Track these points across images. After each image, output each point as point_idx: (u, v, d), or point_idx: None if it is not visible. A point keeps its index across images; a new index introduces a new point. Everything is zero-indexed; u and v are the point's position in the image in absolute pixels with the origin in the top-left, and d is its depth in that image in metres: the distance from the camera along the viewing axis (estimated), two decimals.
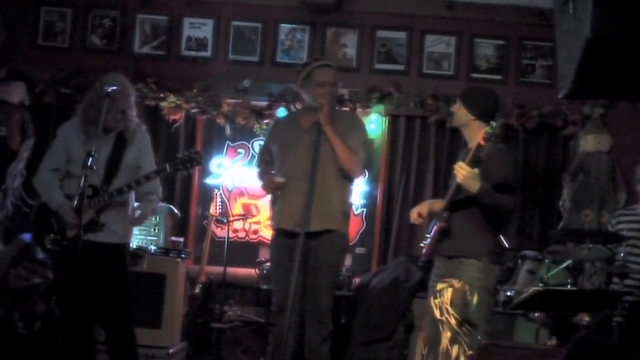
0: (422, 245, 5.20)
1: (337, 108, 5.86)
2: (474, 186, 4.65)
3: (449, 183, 5.16)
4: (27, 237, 6.66)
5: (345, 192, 5.56)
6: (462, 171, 4.63)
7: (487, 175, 4.75)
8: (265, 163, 5.72)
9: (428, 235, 5.12)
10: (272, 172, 5.57)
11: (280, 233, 5.52)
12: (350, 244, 7.59)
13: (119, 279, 5.24)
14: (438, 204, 5.18)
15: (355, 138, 5.48)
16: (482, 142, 4.58)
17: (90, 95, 5.31)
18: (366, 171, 7.71)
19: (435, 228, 5.00)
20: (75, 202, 4.89)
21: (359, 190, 7.71)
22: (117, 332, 5.27)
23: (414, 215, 5.19)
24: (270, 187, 5.53)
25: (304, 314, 5.40)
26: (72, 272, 4.93)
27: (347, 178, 5.51)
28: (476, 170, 4.64)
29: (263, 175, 5.69)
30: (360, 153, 5.48)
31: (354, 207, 7.65)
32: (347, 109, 7.47)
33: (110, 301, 5.16)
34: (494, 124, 4.63)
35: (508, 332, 6.05)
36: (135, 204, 5.40)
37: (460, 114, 5.05)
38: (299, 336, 5.45)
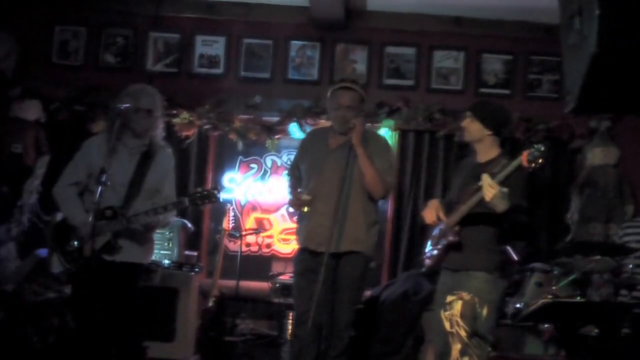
0: (426, 255, 5.09)
1: (366, 129, 5.67)
2: (502, 206, 4.46)
3: (458, 195, 4.99)
4: (42, 252, 6.65)
5: (372, 213, 5.50)
6: (492, 189, 4.40)
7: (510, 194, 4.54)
8: (295, 179, 5.69)
9: (432, 246, 5.02)
10: (299, 190, 5.53)
11: (305, 250, 5.49)
12: None
13: (129, 297, 5.21)
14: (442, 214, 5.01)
15: (383, 161, 5.42)
16: (526, 164, 4.41)
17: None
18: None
19: (446, 241, 4.88)
20: (91, 219, 4.88)
21: None
22: (126, 347, 5.25)
23: (431, 217, 4.94)
24: (296, 204, 5.49)
25: (323, 328, 5.37)
26: (88, 289, 4.95)
27: (372, 199, 5.46)
28: (505, 189, 4.43)
29: (292, 191, 5.67)
30: (386, 176, 5.42)
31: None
32: None
33: (119, 317, 5.13)
34: (540, 146, 4.41)
35: (517, 344, 6.00)
36: None
37: (474, 129, 4.91)
38: (317, 349, 5.41)
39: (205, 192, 5.19)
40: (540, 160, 4.39)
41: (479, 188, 4.53)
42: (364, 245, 5.40)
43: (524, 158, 4.41)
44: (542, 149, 4.38)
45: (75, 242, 5.14)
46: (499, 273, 4.81)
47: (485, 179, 4.47)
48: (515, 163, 4.48)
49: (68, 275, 5.33)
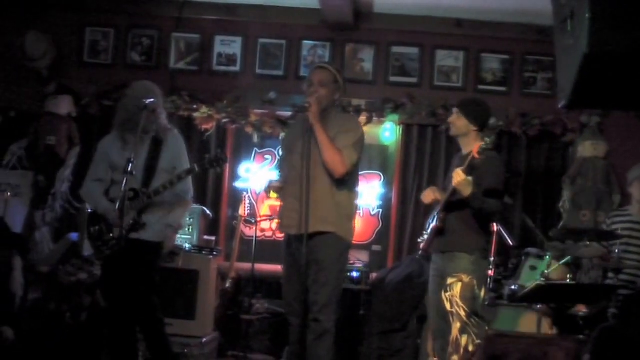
0: (419, 240, 5.26)
1: (337, 111, 5.31)
2: (467, 191, 4.81)
3: (445, 186, 5.25)
4: (74, 236, 6.71)
5: (341, 194, 4.99)
6: (458, 177, 4.80)
7: (479, 181, 4.89)
8: (282, 169, 5.42)
9: (425, 232, 5.21)
10: (272, 179, 5.30)
11: (285, 237, 5.19)
12: (368, 242, 7.62)
13: (148, 271, 5.27)
14: (440, 194, 5.22)
15: (345, 139, 4.95)
16: (477, 156, 4.79)
17: (125, 104, 5.34)
18: (381, 175, 7.72)
19: (432, 226, 5.11)
20: (117, 204, 4.93)
21: (376, 192, 7.74)
22: (150, 324, 5.29)
23: (429, 197, 5.21)
24: (267, 192, 5.27)
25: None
26: (118, 268, 5.06)
27: (341, 181, 4.96)
28: (470, 177, 4.80)
29: None
30: (346, 154, 4.89)
31: (371, 208, 7.70)
32: (363, 117, 7.49)
33: (143, 290, 5.19)
34: (487, 140, 4.77)
35: (513, 323, 6.01)
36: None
37: (461, 124, 5.13)
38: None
39: (213, 157, 5.25)
40: (486, 152, 4.86)
41: None
42: (334, 226, 4.90)
43: (474, 150, 4.81)
44: (488, 141, 4.93)
45: (104, 226, 5.21)
46: (481, 254, 5.08)
47: (456, 170, 4.87)
48: (471, 155, 4.85)
49: (99, 257, 5.39)
